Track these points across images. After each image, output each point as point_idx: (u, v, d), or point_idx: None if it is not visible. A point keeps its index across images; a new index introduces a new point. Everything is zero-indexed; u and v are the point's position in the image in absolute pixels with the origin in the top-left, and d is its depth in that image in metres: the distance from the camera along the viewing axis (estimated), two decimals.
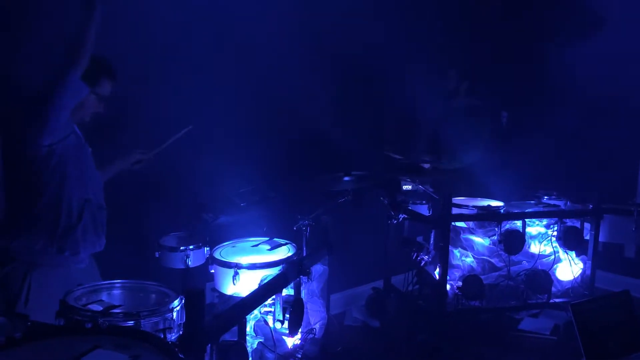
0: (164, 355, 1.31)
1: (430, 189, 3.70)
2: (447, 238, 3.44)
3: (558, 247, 3.80)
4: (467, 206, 3.74)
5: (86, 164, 2.28)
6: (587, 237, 3.81)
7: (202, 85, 3.04)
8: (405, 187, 3.78)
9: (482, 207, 3.74)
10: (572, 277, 3.83)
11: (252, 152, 3.27)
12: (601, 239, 3.77)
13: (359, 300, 4.11)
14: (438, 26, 4.23)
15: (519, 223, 3.69)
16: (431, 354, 3.35)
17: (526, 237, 3.70)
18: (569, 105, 4.42)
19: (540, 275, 3.65)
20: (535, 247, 3.91)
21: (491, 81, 4.62)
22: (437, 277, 3.57)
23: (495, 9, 4.75)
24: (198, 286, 1.72)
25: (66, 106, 2.06)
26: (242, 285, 2.48)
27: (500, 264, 3.77)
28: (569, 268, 3.82)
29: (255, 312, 2.42)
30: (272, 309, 2.43)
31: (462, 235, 3.89)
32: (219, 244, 2.78)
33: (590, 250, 3.79)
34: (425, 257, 3.72)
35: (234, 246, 2.79)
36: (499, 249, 3.67)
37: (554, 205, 3.98)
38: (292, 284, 2.55)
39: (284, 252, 2.70)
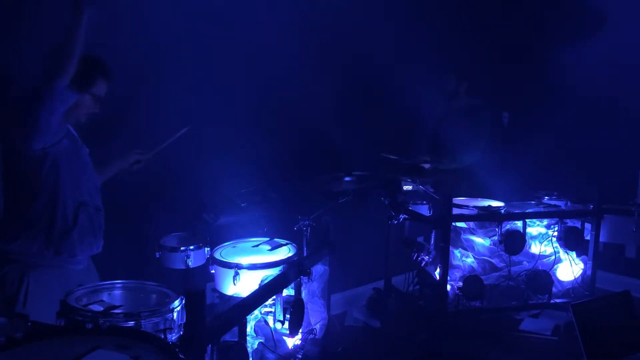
0: (165, 355, 1.31)
1: (431, 190, 3.70)
2: (447, 238, 3.43)
3: (559, 247, 3.80)
4: (467, 206, 3.74)
5: (82, 165, 2.26)
6: (588, 238, 3.81)
7: (202, 85, 3.03)
8: (405, 188, 3.77)
9: (483, 208, 3.73)
10: (573, 278, 3.83)
11: (253, 152, 3.27)
12: (602, 239, 3.77)
13: (359, 300, 4.10)
14: (438, 26, 4.23)
15: (519, 223, 3.69)
16: (431, 356, 3.35)
17: (527, 237, 3.70)
18: (569, 105, 4.42)
19: (541, 276, 3.65)
20: (535, 248, 3.91)
21: (491, 81, 4.63)
22: (438, 277, 3.57)
23: (495, 9, 4.75)
24: (198, 286, 1.71)
25: (54, 112, 2.03)
26: (242, 285, 2.48)
27: (501, 265, 3.77)
28: (569, 268, 3.82)
29: (256, 312, 2.42)
30: (273, 310, 2.42)
31: (463, 236, 3.89)
32: (219, 244, 2.78)
33: (590, 251, 3.79)
34: (426, 258, 3.72)
35: (234, 246, 2.79)
36: (499, 250, 3.67)
37: (555, 206, 3.98)
38: (292, 285, 2.54)
39: (285, 252, 2.70)
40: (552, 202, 4.05)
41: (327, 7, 3.45)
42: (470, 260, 3.85)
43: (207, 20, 2.94)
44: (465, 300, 3.56)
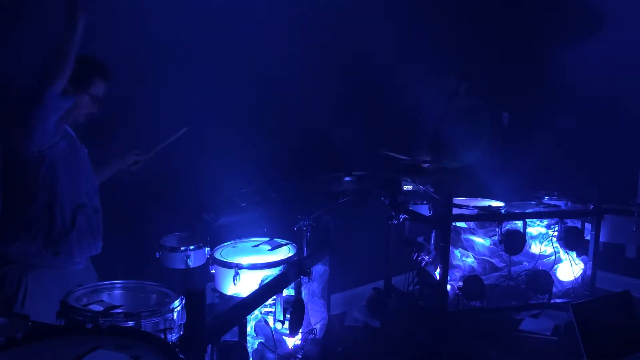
0: (165, 355, 1.31)
1: (431, 190, 3.70)
2: (447, 238, 3.43)
3: (559, 247, 3.80)
4: (467, 206, 3.74)
5: (80, 167, 2.25)
6: (588, 238, 3.81)
7: (202, 85, 3.03)
8: (405, 188, 3.77)
9: (483, 208, 3.73)
10: (573, 278, 3.83)
11: (253, 152, 3.27)
12: (602, 239, 3.77)
13: (359, 300, 4.10)
14: (438, 26, 4.23)
15: (519, 223, 3.69)
16: (431, 356, 3.35)
17: (527, 237, 3.70)
18: (569, 105, 4.42)
19: (541, 276, 3.65)
20: (536, 248, 3.92)
21: (491, 81, 4.63)
22: (438, 277, 3.57)
23: (495, 9, 4.75)
24: (198, 286, 1.71)
25: (47, 121, 2.03)
26: (242, 285, 2.47)
27: (501, 264, 3.78)
28: (569, 268, 3.82)
29: (256, 312, 2.42)
30: (273, 309, 2.42)
31: (463, 236, 3.90)
32: (219, 244, 2.78)
33: (591, 251, 3.79)
34: (426, 258, 3.72)
35: (234, 246, 2.79)
36: (499, 250, 3.67)
37: (555, 206, 3.98)
38: (292, 284, 2.54)
39: (285, 252, 2.70)
40: (552, 202, 4.05)
41: (327, 7, 3.45)
42: (470, 260, 3.85)
43: (207, 20, 2.94)
44: (465, 300, 3.56)
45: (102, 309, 1.62)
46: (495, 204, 3.88)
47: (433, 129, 4.10)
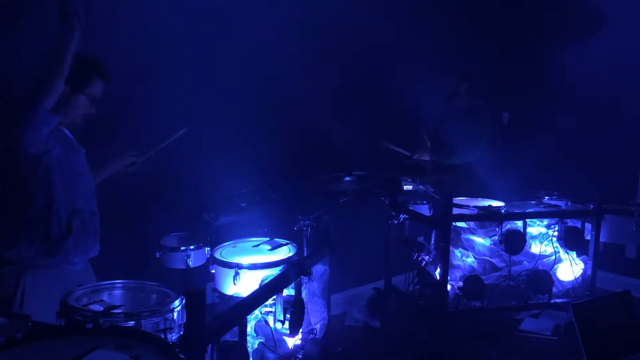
0: (165, 355, 1.31)
1: (431, 189, 3.70)
2: (447, 238, 3.43)
3: (559, 247, 3.80)
4: (467, 206, 3.74)
5: (76, 170, 2.23)
6: (588, 238, 3.81)
7: (202, 85, 3.03)
8: (406, 188, 3.77)
9: (483, 207, 3.73)
10: (573, 278, 3.83)
11: (253, 152, 3.27)
12: (602, 239, 3.77)
13: (359, 300, 4.10)
14: (438, 26, 4.23)
15: (519, 223, 3.69)
16: (431, 356, 3.35)
17: (527, 237, 3.70)
18: (569, 105, 4.42)
19: (541, 276, 3.65)
20: (536, 248, 3.91)
21: (491, 81, 4.63)
22: (438, 277, 3.57)
23: (495, 9, 4.75)
24: (199, 286, 1.72)
25: (38, 134, 2.02)
26: (242, 285, 2.47)
27: (501, 264, 3.78)
28: (569, 268, 3.82)
29: (256, 312, 2.42)
30: (273, 309, 2.42)
31: (463, 236, 3.89)
32: (219, 244, 2.78)
33: (591, 251, 3.79)
34: (426, 258, 3.72)
35: (234, 246, 2.79)
36: (499, 249, 3.67)
37: (555, 206, 3.98)
38: (292, 284, 2.54)
39: (285, 252, 2.70)
40: (553, 202, 4.05)
41: (327, 7, 3.45)
42: (470, 260, 3.85)
43: (207, 20, 2.94)
44: (466, 300, 3.56)
45: (102, 309, 1.62)
46: (496, 203, 3.88)
47: (433, 129, 4.10)
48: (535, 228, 3.92)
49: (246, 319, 2.20)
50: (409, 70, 3.71)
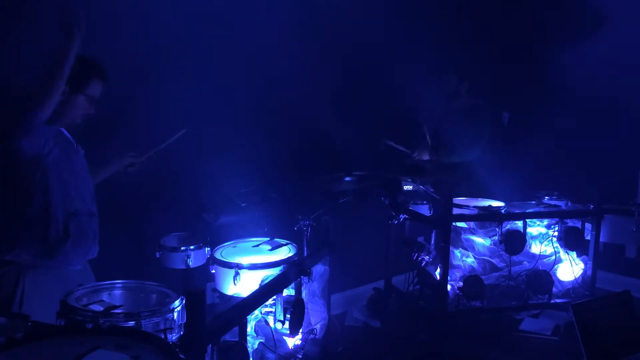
0: (165, 355, 1.31)
1: (431, 189, 3.70)
2: (447, 238, 3.43)
3: (559, 247, 3.80)
4: (468, 206, 3.74)
5: (75, 171, 2.22)
6: (588, 238, 3.81)
7: (202, 85, 3.03)
8: (406, 188, 3.77)
9: (483, 208, 3.73)
10: (573, 278, 3.83)
11: (253, 152, 3.27)
12: (602, 239, 3.77)
13: (359, 300, 4.10)
14: (438, 26, 4.23)
15: (519, 223, 3.68)
16: (431, 356, 3.35)
17: (527, 237, 3.70)
18: (569, 105, 4.42)
19: (541, 276, 3.65)
20: (536, 248, 3.91)
21: (491, 81, 4.63)
22: (438, 277, 3.56)
23: (495, 9, 4.75)
24: (199, 286, 1.71)
25: (34, 139, 2.02)
26: (243, 285, 2.47)
27: (501, 264, 3.77)
28: (569, 268, 3.82)
29: (256, 312, 2.42)
30: (273, 309, 2.42)
31: (463, 236, 3.89)
32: (219, 244, 2.78)
33: (591, 251, 3.79)
34: (426, 258, 3.72)
35: (234, 246, 2.79)
36: (499, 250, 3.67)
37: (555, 206, 3.98)
38: (292, 284, 2.54)
39: (285, 252, 2.70)
40: (553, 202, 4.05)
41: (327, 7, 3.45)
42: (470, 260, 3.85)
43: (207, 20, 2.94)
44: (466, 300, 3.55)
45: (102, 309, 1.62)
46: (496, 204, 3.88)
47: (433, 129, 4.10)
48: (536, 228, 3.92)
49: (246, 319, 2.20)
50: (409, 70, 3.70)
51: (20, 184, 2.09)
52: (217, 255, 2.63)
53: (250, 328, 2.39)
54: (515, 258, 3.72)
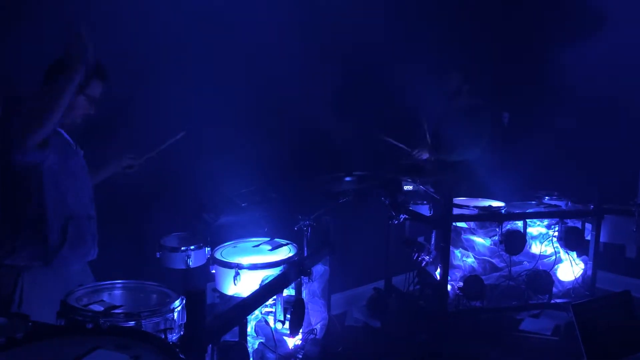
0: (165, 355, 1.31)
1: (431, 190, 3.70)
2: (448, 238, 3.43)
3: (559, 247, 3.80)
4: (468, 206, 3.74)
5: (73, 174, 2.20)
6: (588, 238, 3.81)
7: (202, 85, 3.03)
8: (406, 188, 3.77)
9: (483, 208, 3.73)
10: (573, 278, 3.83)
11: (253, 152, 3.27)
12: (602, 239, 3.77)
13: (360, 300, 4.10)
14: (438, 26, 4.23)
15: (520, 223, 3.68)
16: (431, 356, 3.35)
17: (527, 237, 3.70)
18: (569, 105, 4.42)
19: (541, 276, 3.65)
20: (536, 248, 3.91)
21: (491, 81, 4.63)
22: (438, 277, 3.57)
23: (495, 9, 4.75)
24: (199, 286, 1.71)
25: (26, 158, 1.98)
26: (243, 285, 2.47)
27: (501, 265, 3.77)
28: (570, 268, 3.82)
29: (256, 312, 2.42)
30: (273, 310, 2.42)
31: (463, 236, 3.89)
32: (220, 244, 2.78)
33: (591, 251, 3.79)
34: (426, 258, 3.72)
35: (235, 246, 2.79)
36: (500, 250, 3.66)
37: (555, 206, 3.98)
38: (293, 285, 2.54)
39: (285, 252, 2.70)
40: (553, 202, 4.05)
41: (327, 7, 3.45)
42: (470, 260, 3.85)
43: (207, 20, 2.94)
44: (466, 300, 3.55)
45: (102, 309, 1.62)
46: (496, 204, 3.88)
47: (433, 129, 4.10)
48: (536, 228, 3.92)
49: (246, 319, 2.20)
50: (409, 70, 3.70)
51: (16, 190, 2.08)
52: (217, 255, 2.63)
53: (250, 328, 2.39)
54: (515, 258, 3.72)
